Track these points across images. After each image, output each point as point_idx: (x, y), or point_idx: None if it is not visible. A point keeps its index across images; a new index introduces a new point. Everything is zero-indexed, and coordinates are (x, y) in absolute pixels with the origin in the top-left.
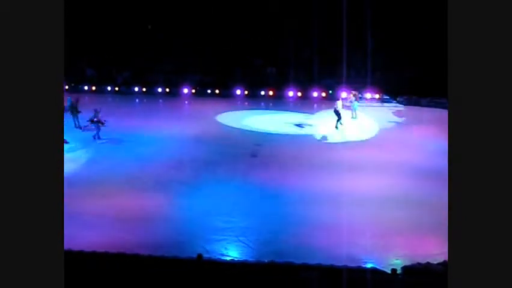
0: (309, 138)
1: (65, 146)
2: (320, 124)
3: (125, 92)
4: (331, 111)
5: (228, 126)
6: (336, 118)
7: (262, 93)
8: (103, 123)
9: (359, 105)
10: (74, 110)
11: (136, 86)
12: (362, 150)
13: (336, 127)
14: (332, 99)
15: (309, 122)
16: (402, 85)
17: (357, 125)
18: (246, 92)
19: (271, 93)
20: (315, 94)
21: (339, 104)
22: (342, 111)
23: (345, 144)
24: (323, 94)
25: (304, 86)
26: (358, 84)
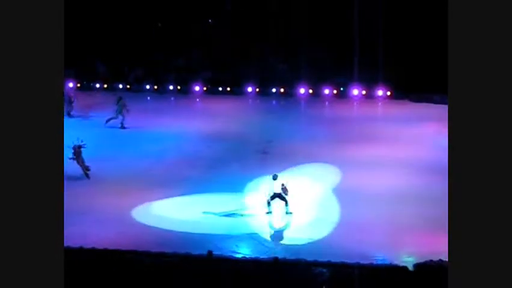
0: None
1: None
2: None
3: (137, 90)
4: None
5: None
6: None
7: (274, 90)
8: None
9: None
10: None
11: (148, 83)
12: (373, 148)
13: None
14: (343, 97)
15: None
16: (414, 81)
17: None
18: (258, 90)
19: (282, 90)
20: (326, 91)
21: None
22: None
23: None
24: (335, 91)
25: (316, 83)
26: (369, 81)
